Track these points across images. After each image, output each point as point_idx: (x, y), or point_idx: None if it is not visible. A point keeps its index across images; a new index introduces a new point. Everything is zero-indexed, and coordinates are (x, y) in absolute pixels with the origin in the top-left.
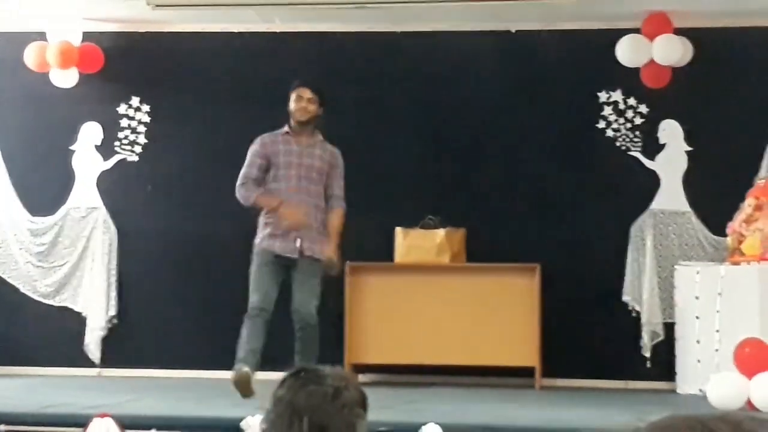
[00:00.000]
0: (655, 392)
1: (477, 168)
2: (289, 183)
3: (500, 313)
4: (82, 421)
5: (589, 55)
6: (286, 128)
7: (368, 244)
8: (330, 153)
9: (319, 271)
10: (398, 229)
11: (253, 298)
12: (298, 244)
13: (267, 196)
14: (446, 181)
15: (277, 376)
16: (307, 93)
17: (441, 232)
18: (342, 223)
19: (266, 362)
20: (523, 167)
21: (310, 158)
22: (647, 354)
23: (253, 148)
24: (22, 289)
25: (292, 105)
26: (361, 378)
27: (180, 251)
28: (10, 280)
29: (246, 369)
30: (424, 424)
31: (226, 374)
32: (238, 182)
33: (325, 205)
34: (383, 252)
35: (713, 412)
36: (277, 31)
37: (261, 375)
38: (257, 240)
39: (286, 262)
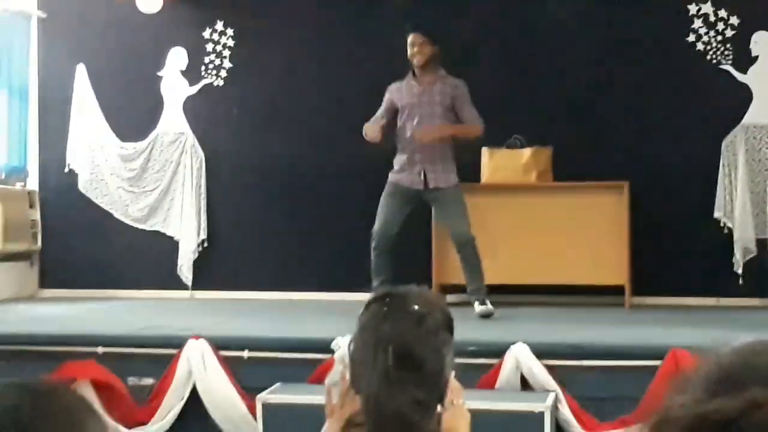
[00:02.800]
0: (748, 309)
1: (562, 85)
2: (413, 124)
3: (589, 231)
4: (178, 343)
5: None
6: (411, 73)
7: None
8: (451, 86)
9: (454, 195)
10: (484, 149)
11: (374, 228)
12: (422, 176)
13: (369, 126)
14: (532, 99)
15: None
16: (417, 39)
17: (527, 152)
18: (469, 131)
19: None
20: (610, 83)
21: (430, 96)
22: (739, 271)
23: (384, 97)
24: (115, 215)
25: (409, 52)
26: (449, 298)
27: (267, 174)
28: (102, 206)
29: None
30: (512, 343)
31: (316, 295)
32: None
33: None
34: (470, 172)
35: None
36: None
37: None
38: (390, 173)
39: (415, 194)
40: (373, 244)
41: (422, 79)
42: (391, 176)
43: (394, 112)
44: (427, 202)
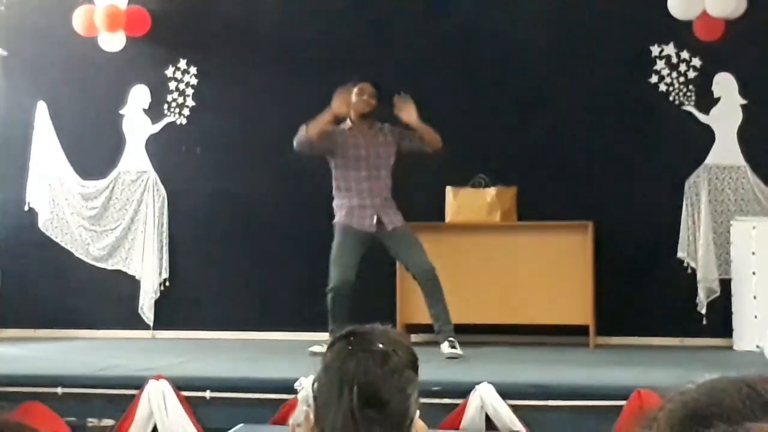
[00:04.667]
0: (712, 349)
1: (527, 125)
2: (360, 173)
3: (553, 271)
4: (138, 383)
5: (641, 8)
6: (348, 123)
7: (419, 204)
8: (389, 133)
9: (408, 231)
10: (449, 188)
11: (332, 276)
12: (374, 220)
13: (315, 118)
14: (496, 139)
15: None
16: (368, 88)
17: (491, 191)
18: (434, 134)
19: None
20: (574, 124)
21: (376, 146)
22: (703, 311)
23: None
24: (76, 253)
25: (354, 98)
26: (414, 338)
27: (229, 213)
28: (63, 244)
29: None
30: (478, 383)
31: (278, 335)
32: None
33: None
34: (434, 211)
35: (763, 374)
36: None
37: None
38: (336, 218)
39: (369, 236)
40: (330, 294)
41: (363, 130)
42: (339, 221)
43: (331, 141)
44: (380, 242)
